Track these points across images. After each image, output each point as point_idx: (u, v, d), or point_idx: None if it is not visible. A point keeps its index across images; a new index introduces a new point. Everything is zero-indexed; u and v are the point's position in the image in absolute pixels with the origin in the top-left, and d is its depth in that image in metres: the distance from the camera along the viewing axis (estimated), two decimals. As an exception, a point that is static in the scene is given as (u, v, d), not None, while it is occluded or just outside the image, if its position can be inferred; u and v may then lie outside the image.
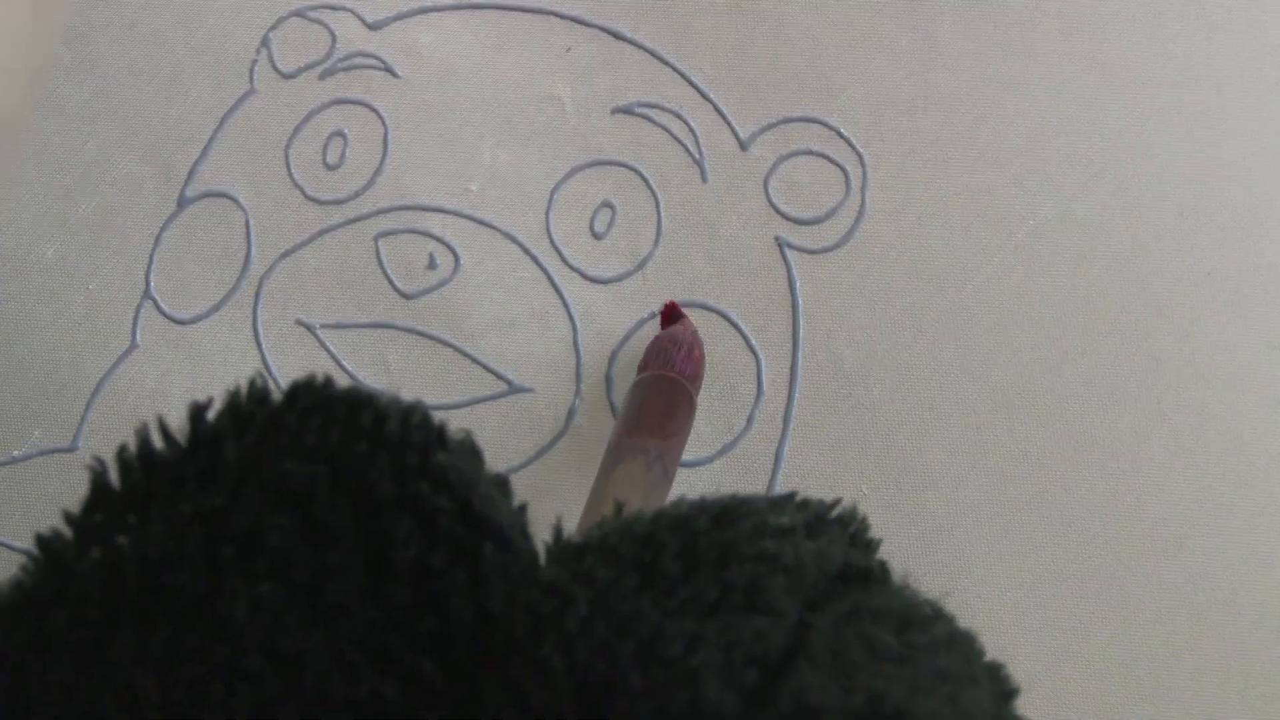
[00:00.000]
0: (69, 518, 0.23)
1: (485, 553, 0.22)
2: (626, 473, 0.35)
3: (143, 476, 0.23)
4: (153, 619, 0.21)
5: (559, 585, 0.22)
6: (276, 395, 0.23)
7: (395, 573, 0.22)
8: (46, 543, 0.22)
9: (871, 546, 0.26)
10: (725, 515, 0.24)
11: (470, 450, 0.24)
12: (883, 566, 0.25)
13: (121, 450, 0.23)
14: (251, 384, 0.23)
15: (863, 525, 0.27)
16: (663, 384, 0.39)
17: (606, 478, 0.35)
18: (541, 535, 0.24)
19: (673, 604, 0.22)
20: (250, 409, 0.23)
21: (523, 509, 0.24)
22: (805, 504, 0.26)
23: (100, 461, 0.23)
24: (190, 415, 0.23)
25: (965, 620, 0.42)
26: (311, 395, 0.23)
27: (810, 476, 0.43)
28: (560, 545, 0.24)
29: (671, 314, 0.43)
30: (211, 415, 0.23)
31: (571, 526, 0.26)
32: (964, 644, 0.24)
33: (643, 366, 0.41)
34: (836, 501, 0.27)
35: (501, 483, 0.24)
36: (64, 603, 0.22)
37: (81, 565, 0.22)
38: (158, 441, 0.23)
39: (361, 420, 0.23)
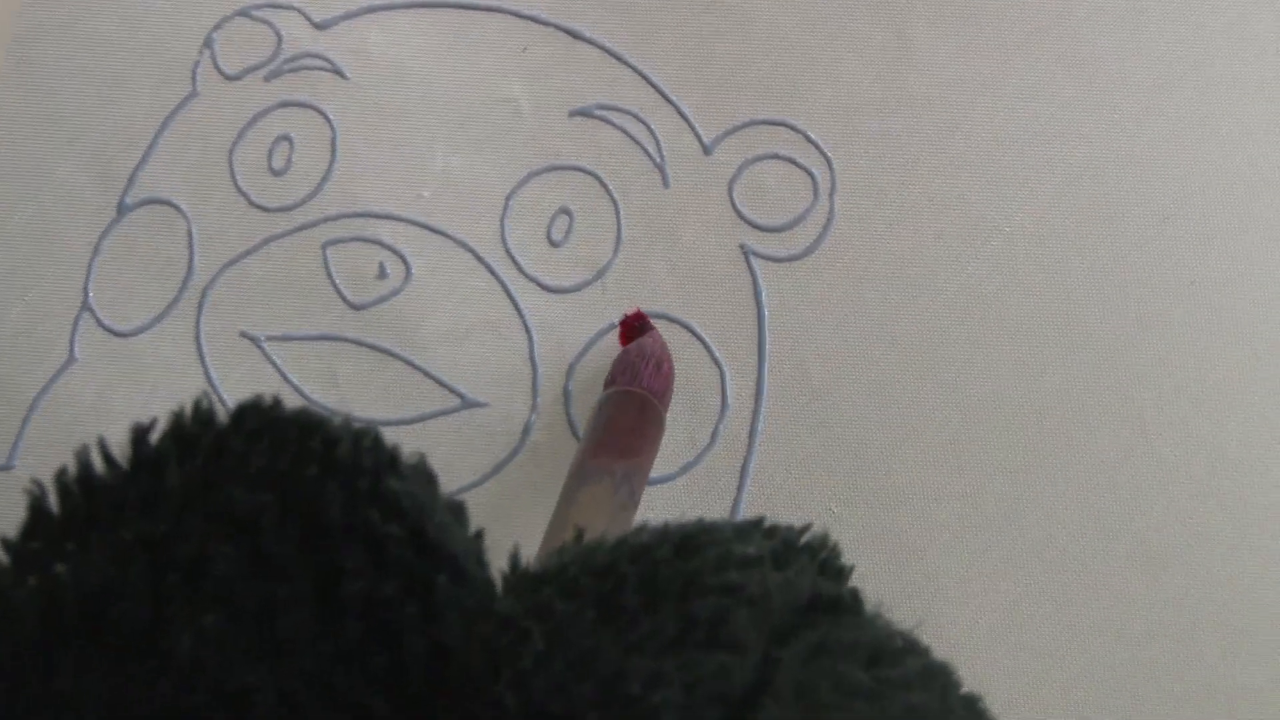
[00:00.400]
0: (5, 544, 0.22)
1: (439, 583, 0.21)
2: (591, 496, 0.34)
3: (83, 501, 0.22)
4: (93, 652, 0.21)
5: (514, 618, 0.21)
6: (223, 416, 0.23)
7: (346, 605, 0.21)
8: None
9: (843, 574, 0.26)
10: (688, 544, 0.23)
11: (424, 475, 0.23)
12: (854, 595, 0.24)
13: (60, 473, 0.22)
14: (196, 404, 0.23)
15: (833, 552, 0.26)
16: (630, 401, 0.38)
17: (570, 501, 0.34)
18: (499, 562, 0.24)
19: (633, 639, 0.21)
20: (195, 431, 0.22)
21: (479, 535, 0.23)
22: (773, 530, 0.25)
23: (39, 485, 0.22)
24: (132, 437, 0.22)
25: (939, 644, 0.40)
26: (259, 417, 0.22)
27: (777, 494, 0.41)
28: (518, 575, 0.23)
29: (636, 325, 0.42)
30: (154, 437, 0.22)
31: (531, 551, 0.25)
32: (939, 677, 0.23)
33: (609, 381, 0.40)
34: (806, 527, 0.26)
35: (457, 508, 0.23)
36: None
37: (18, 594, 0.21)
38: (98, 464, 0.22)
39: (311, 444, 0.22)
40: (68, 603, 0.21)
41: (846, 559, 0.26)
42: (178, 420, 0.22)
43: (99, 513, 0.22)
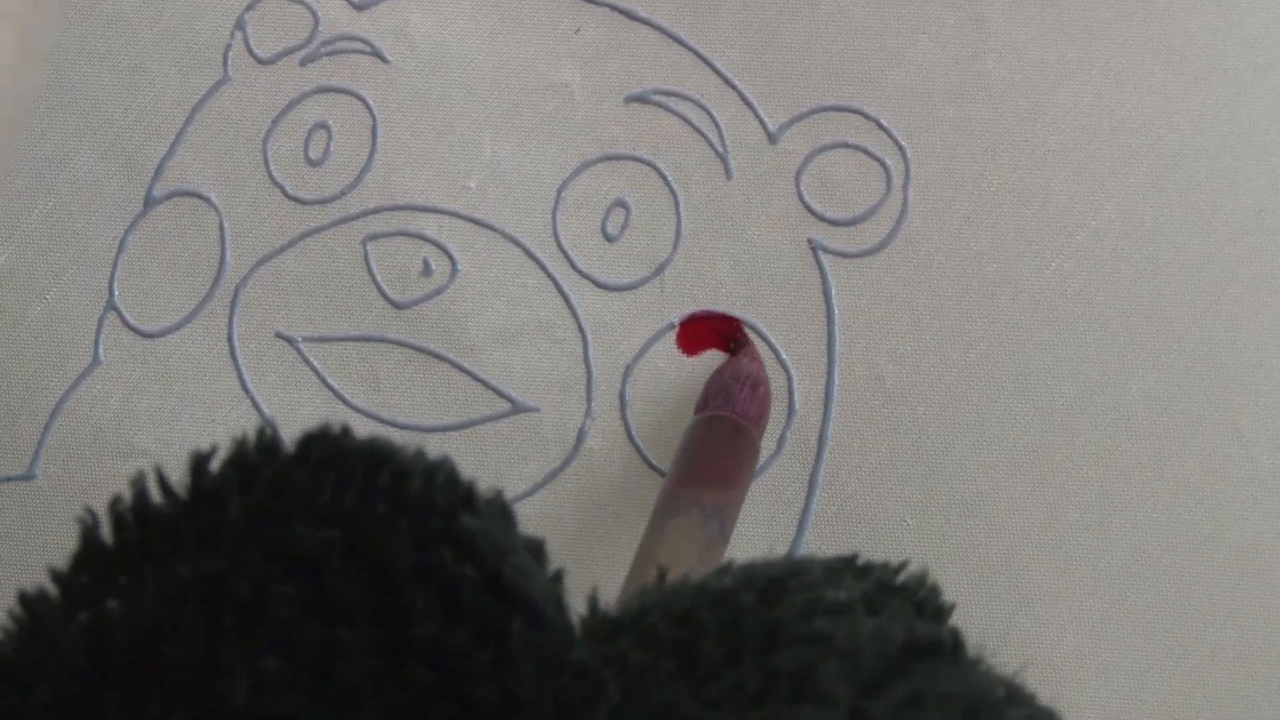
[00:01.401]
0: (54, 575, 0.21)
1: (514, 629, 0.21)
2: (679, 529, 0.34)
3: (137, 533, 0.21)
4: (142, 694, 0.20)
5: (589, 668, 0.21)
6: (287, 446, 0.22)
7: (413, 651, 0.20)
8: (30, 603, 0.21)
9: (942, 614, 0.25)
10: (774, 589, 0.23)
11: (501, 511, 0.23)
12: (955, 637, 0.23)
13: (115, 502, 0.22)
14: (260, 433, 0.22)
15: (932, 592, 0.25)
16: (723, 427, 0.37)
17: (657, 534, 0.34)
18: (578, 605, 0.23)
19: (713, 693, 0.21)
20: (257, 460, 0.22)
21: (558, 577, 0.23)
22: (867, 570, 0.25)
23: (91, 513, 0.22)
24: (191, 465, 0.22)
25: (1020, 663, 0.39)
26: (326, 448, 0.22)
27: (848, 504, 0.40)
28: (596, 619, 0.23)
29: (731, 335, 0.40)
30: (215, 465, 0.22)
31: (613, 591, 0.24)
32: None
33: (701, 404, 0.39)
34: (902, 565, 0.25)
35: (536, 547, 0.23)
36: (45, 676, 0.20)
37: (67, 632, 0.21)
38: (155, 493, 0.22)
39: (380, 478, 0.21)
40: (118, 641, 0.20)
41: (947, 597, 0.25)
42: (240, 449, 0.22)
43: (154, 546, 0.21)
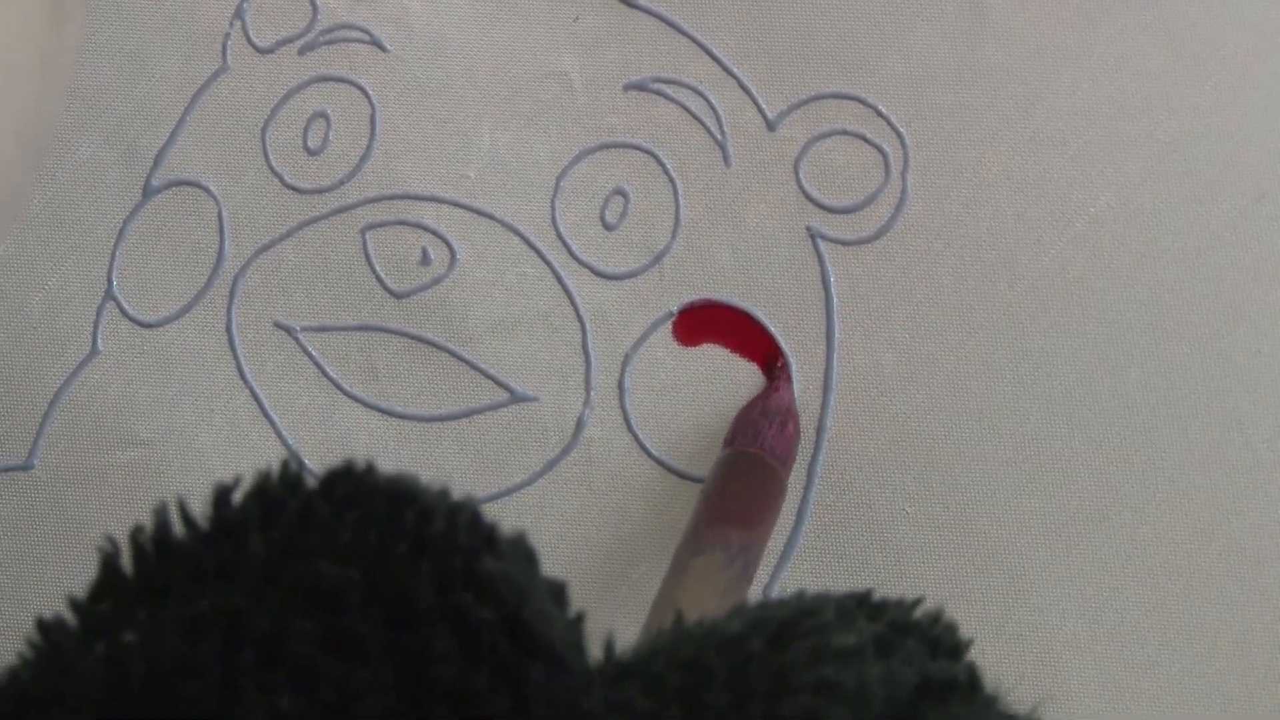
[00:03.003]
0: (73, 604, 0.22)
1: (533, 674, 0.21)
2: (702, 570, 0.34)
3: (157, 564, 0.22)
4: None
5: (595, 715, 0.21)
6: (311, 480, 0.22)
7: (432, 693, 0.21)
8: (48, 630, 0.22)
9: (958, 651, 0.25)
10: (783, 634, 0.23)
11: (524, 552, 0.23)
12: (971, 673, 0.24)
13: (136, 532, 0.22)
14: (284, 467, 0.22)
15: (947, 629, 0.25)
16: (750, 466, 0.38)
17: (681, 573, 0.34)
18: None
19: None
20: (280, 495, 0.22)
21: (579, 619, 0.23)
22: (880, 609, 0.25)
23: (112, 542, 0.22)
24: (214, 498, 0.22)
25: (1021, 653, 0.40)
26: (349, 485, 0.22)
27: (847, 494, 0.41)
28: (610, 665, 0.23)
29: (769, 361, 0.41)
30: (237, 497, 0.22)
31: (629, 637, 0.24)
32: None
33: (729, 440, 0.40)
34: (917, 602, 0.26)
35: (557, 590, 0.23)
36: (62, 705, 0.21)
37: (84, 663, 0.21)
38: (176, 525, 0.22)
39: (404, 518, 0.22)
40: (135, 674, 0.20)
41: (963, 633, 0.25)
42: (263, 482, 0.22)
43: (174, 578, 0.21)
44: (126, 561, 0.22)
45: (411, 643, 0.21)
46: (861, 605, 0.25)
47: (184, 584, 0.21)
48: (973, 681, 0.23)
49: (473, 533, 0.22)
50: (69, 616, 0.22)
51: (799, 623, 0.23)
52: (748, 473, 0.38)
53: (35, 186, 0.42)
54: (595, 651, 0.23)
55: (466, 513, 0.22)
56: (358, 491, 0.22)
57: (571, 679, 0.22)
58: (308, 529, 0.22)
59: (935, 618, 0.25)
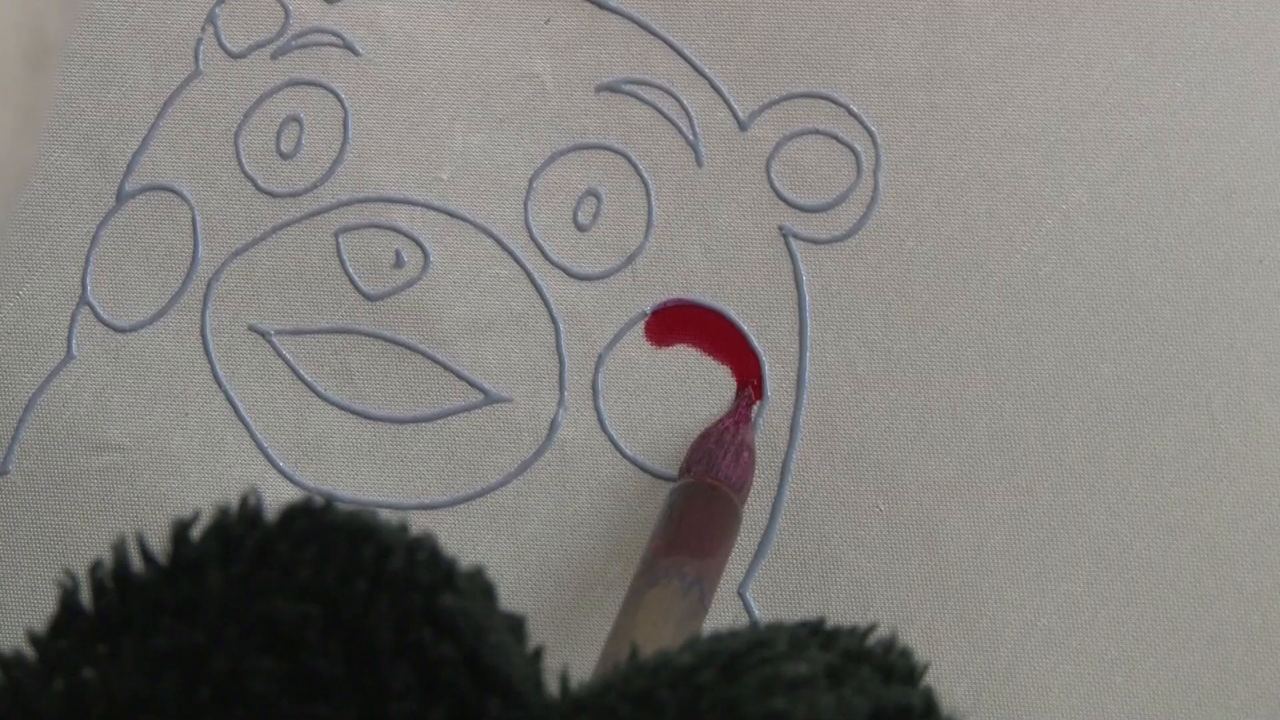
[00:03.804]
0: (32, 639, 0.22)
1: (490, 709, 0.21)
2: (658, 599, 0.34)
3: (117, 600, 0.22)
4: None
5: None
6: (269, 517, 0.23)
7: None
8: (8, 665, 0.22)
9: (913, 677, 0.25)
10: (734, 666, 0.23)
11: (482, 588, 0.23)
12: (927, 700, 0.24)
13: (95, 567, 0.22)
14: (243, 502, 0.23)
15: (902, 656, 0.25)
16: (706, 495, 0.38)
17: (636, 603, 0.34)
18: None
19: None
20: (239, 531, 0.22)
21: (538, 654, 0.24)
22: (833, 638, 0.25)
23: (72, 577, 0.22)
24: (173, 534, 0.22)
25: (995, 650, 0.40)
26: (308, 521, 0.23)
27: (820, 491, 0.41)
28: (566, 700, 0.23)
29: (746, 397, 0.41)
30: (196, 534, 0.22)
31: (584, 672, 0.25)
32: None
33: (684, 469, 0.40)
34: (870, 629, 0.26)
35: (516, 625, 0.24)
36: None
37: (43, 699, 0.21)
38: (135, 561, 0.22)
39: (363, 554, 0.22)
40: (94, 712, 0.21)
41: (919, 658, 0.25)
42: (222, 519, 0.23)
43: (133, 615, 0.22)
44: (86, 597, 0.22)
45: (370, 680, 0.21)
46: (815, 634, 0.25)
47: (143, 620, 0.22)
48: (928, 707, 0.23)
49: (431, 569, 0.22)
50: (28, 652, 0.22)
51: (750, 654, 0.23)
52: (703, 503, 0.38)
53: (7, 222, 0.43)
54: (556, 685, 0.23)
55: (425, 549, 0.23)
56: (316, 527, 0.22)
57: (529, 714, 0.22)
58: (266, 565, 0.22)
59: (889, 645, 0.25)
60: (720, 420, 0.41)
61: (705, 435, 0.41)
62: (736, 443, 0.40)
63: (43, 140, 0.42)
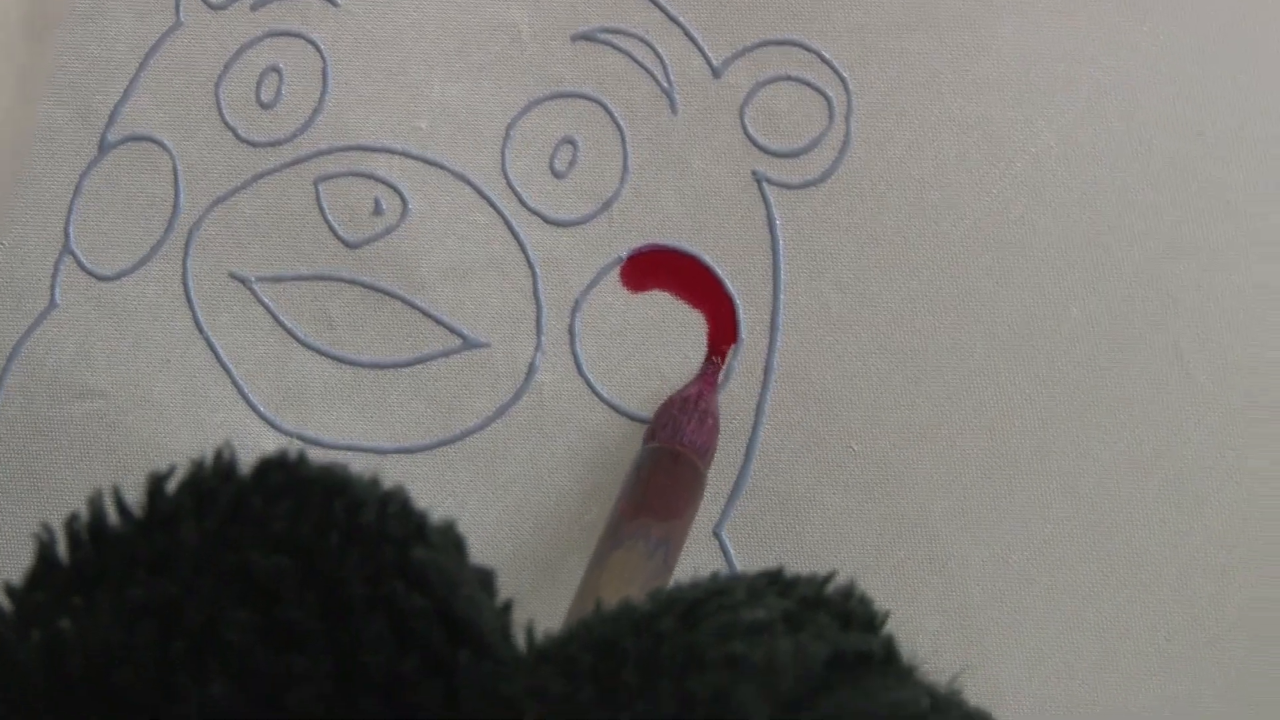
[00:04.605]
0: (9, 590, 0.22)
1: (461, 660, 0.22)
2: (623, 561, 0.35)
3: (93, 553, 0.22)
4: (96, 714, 0.21)
5: (513, 699, 0.22)
6: (245, 469, 0.23)
7: (365, 680, 0.21)
8: None
9: (873, 624, 0.25)
10: (694, 613, 0.23)
11: (453, 542, 0.24)
12: (888, 646, 0.24)
13: (71, 520, 0.22)
14: (218, 455, 0.23)
15: (861, 602, 0.26)
16: (670, 460, 0.39)
17: (601, 564, 0.35)
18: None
19: (628, 718, 0.21)
20: (214, 484, 0.23)
21: (507, 607, 0.24)
22: (792, 585, 0.26)
23: (48, 530, 0.22)
24: (148, 488, 0.23)
25: (966, 589, 0.41)
26: (282, 475, 0.23)
27: (795, 432, 0.42)
28: (531, 651, 0.24)
29: (714, 360, 0.42)
30: (171, 486, 0.23)
31: (552, 623, 0.25)
32: None
33: (649, 435, 0.41)
34: (829, 577, 0.26)
35: (486, 578, 0.24)
36: (2, 690, 0.21)
37: (21, 651, 0.21)
38: (111, 514, 0.23)
39: (335, 508, 0.22)
40: (72, 662, 0.21)
41: (879, 606, 0.26)
42: (197, 472, 0.23)
43: (109, 567, 0.22)
44: (63, 550, 0.22)
45: (343, 631, 0.21)
46: (773, 583, 0.25)
47: (118, 573, 0.22)
48: (888, 653, 0.24)
49: (403, 522, 0.23)
50: (5, 604, 0.22)
51: (709, 601, 0.23)
52: (668, 467, 0.39)
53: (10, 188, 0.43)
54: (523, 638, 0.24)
55: (397, 502, 0.23)
56: (290, 481, 0.23)
57: (498, 665, 0.22)
58: (240, 519, 0.22)
59: (847, 592, 0.26)
60: (686, 386, 0.42)
61: (670, 402, 0.42)
62: (701, 409, 0.41)
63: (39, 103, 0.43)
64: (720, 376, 0.42)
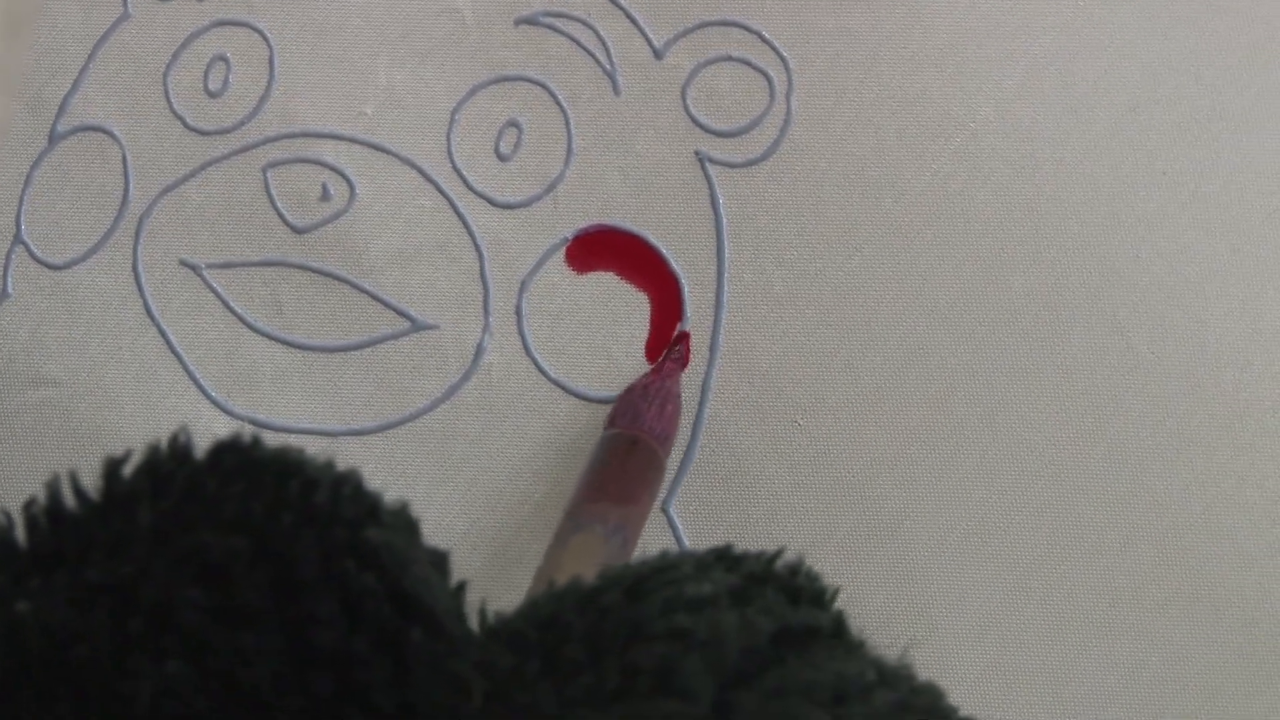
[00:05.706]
0: None
1: (412, 638, 0.22)
2: (582, 544, 0.35)
3: (50, 536, 0.23)
4: (52, 697, 0.21)
5: (461, 675, 0.22)
6: (199, 453, 0.24)
7: (317, 658, 0.22)
8: None
9: (821, 599, 0.26)
10: (639, 587, 0.24)
11: (406, 523, 0.24)
12: (837, 621, 0.25)
13: (29, 504, 0.23)
14: (174, 440, 0.24)
15: (808, 578, 0.26)
16: (629, 446, 0.40)
17: (561, 547, 0.36)
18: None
19: (574, 692, 0.22)
20: (170, 468, 0.23)
21: (461, 588, 0.24)
22: (739, 561, 0.26)
23: (5, 514, 0.23)
24: (104, 471, 0.23)
25: (911, 559, 0.41)
26: (236, 457, 0.23)
27: (740, 409, 0.43)
28: (484, 629, 0.24)
29: (672, 346, 0.43)
30: (128, 471, 0.23)
31: (505, 602, 0.26)
32: (915, 710, 0.23)
33: (610, 421, 0.41)
34: (777, 554, 0.27)
35: (439, 559, 0.24)
36: None
37: None
38: (68, 497, 0.23)
39: (289, 489, 0.23)
40: (30, 643, 0.21)
41: (829, 581, 0.26)
42: (153, 455, 0.23)
43: (66, 549, 0.23)
44: (20, 534, 0.23)
45: (296, 610, 0.22)
46: (720, 559, 0.26)
47: (75, 554, 0.22)
48: (838, 628, 0.24)
49: (356, 503, 0.23)
50: None
51: (655, 576, 0.24)
52: (627, 453, 0.39)
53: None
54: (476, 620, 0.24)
55: (350, 484, 0.24)
56: (244, 463, 0.23)
57: (450, 643, 0.23)
58: (195, 500, 0.23)
59: (795, 568, 0.26)
60: (647, 373, 0.43)
61: (631, 389, 0.42)
62: (661, 395, 0.41)
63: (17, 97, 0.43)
64: (679, 365, 0.43)
